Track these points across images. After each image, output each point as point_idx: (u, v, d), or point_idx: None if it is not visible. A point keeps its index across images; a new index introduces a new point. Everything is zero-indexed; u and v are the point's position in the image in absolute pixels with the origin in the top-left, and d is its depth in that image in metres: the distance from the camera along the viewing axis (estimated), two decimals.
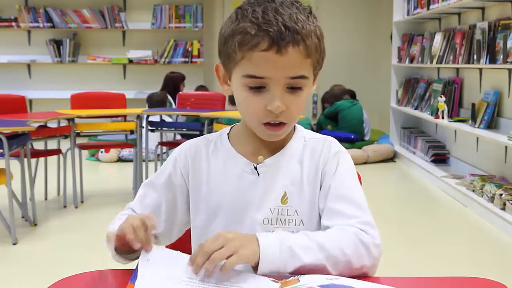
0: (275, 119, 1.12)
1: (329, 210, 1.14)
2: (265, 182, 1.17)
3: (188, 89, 6.85)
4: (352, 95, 7.05)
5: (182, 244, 1.26)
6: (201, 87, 6.89)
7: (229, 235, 1.00)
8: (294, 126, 1.24)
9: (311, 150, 1.20)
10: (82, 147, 4.63)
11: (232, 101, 6.53)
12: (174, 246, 1.27)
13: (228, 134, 1.24)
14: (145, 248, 1.02)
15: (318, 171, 1.18)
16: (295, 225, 1.16)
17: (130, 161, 5.77)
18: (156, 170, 4.80)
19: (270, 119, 1.12)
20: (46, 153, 4.50)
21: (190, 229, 1.26)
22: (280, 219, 1.16)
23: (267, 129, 1.13)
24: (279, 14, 1.07)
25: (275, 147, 1.20)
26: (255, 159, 1.19)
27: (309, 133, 1.25)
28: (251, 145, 1.20)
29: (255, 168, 1.18)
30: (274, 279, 0.98)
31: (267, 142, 1.19)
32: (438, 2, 5.35)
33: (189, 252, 1.05)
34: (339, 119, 6.66)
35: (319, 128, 6.65)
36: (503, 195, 3.88)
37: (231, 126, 1.26)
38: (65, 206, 4.33)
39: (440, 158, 5.65)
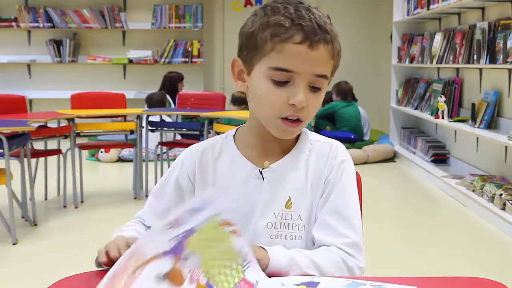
0: (294, 114, 1.12)
1: (322, 222, 1.16)
2: (270, 187, 1.18)
3: (188, 89, 6.85)
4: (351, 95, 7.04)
5: None
6: None
7: None
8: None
9: (317, 154, 1.21)
10: (82, 147, 4.63)
11: (234, 101, 6.53)
12: None
13: (234, 136, 1.25)
14: None
15: (322, 178, 1.19)
16: (298, 229, 1.17)
17: (130, 161, 5.77)
18: (156, 170, 4.81)
19: (290, 113, 1.12)
20: (46, 153, 4.50)
21: None
22: (284, 224, 1.17)
23: (284, 124, 1.14)
24: (311, 12, 1.10)
25: (281, 151, 1.21)
26: (261, 163, 1.20)
27: (314, 135, 1.26)
28: (257, 148, 1.21)
29: (261, 173, 1.19)
30: None
31: (273, 146, 1.20)
32: (438, 2, 5.35)
33: None
34: (336, 119, 6.66)
35: (317, 129, 6.65)
36: (503, 195, 3.88)
37: (236, 127, 1.27)
38: (65, 206, 4.33)
39: (440, 158, 5.65)
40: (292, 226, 1.17)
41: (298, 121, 1.14)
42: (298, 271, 1.05)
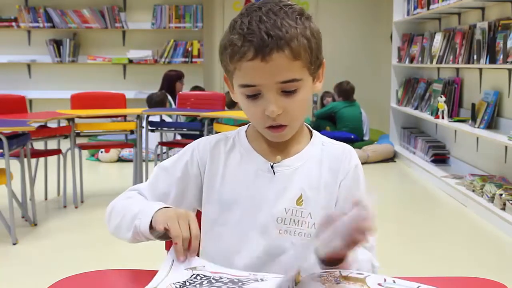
0: (274, 123, 1.15)
1: None
2: (281, 182, 1.20)
3: (187, 89, 6.85)
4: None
5: None
6: (196, 88, 6.87)
7: None
8: (311, 132, 1.28)
9: (330, 156, 1.24)
10: (82, 147, 4.63)
11: (229, 106, 6.54)
12: None
13: (246, 131, 1.27)
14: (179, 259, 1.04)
15: (336, 180, 1.22)
16: (308, 227, 1.18)
17: (130, 161, 5.77)
18: None
19: (270, 123, 1.15)
20: (46, 153, 4.50)
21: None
22: (294, 220, 1.18)
23: (271, 131, 1.17)
24: (262, 22, 1.09)
25: (292, 150, 1.23)
26: (272, 159, 1.22)
27: (326, 138, 1.28)
28: (268, 145, 1.23)
29: (272, 167, 1.21)
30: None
31: (284, 145, 1.22)
32: (438, 2, 5.35)
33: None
34: (337, 119, 6.67)
35: (317, 130, 6.61)
36: (503, 195, 3.88)
37: (248, 124, 1.28)
38: (65, 206, 4.33)
39: (440, 158, 5.65)
40: (302, 223, 1.18)
41: (282, 126, 1.16)
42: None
